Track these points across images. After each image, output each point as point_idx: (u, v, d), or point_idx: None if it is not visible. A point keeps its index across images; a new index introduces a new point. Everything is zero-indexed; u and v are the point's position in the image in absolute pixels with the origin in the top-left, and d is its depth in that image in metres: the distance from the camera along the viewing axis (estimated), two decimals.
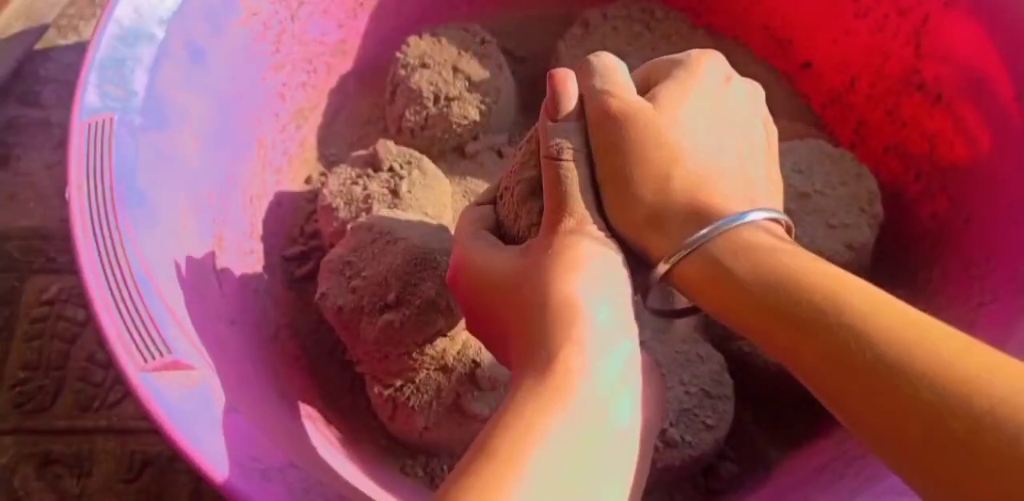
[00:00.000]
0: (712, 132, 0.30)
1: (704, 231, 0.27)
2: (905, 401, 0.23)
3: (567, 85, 0.32)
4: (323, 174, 0.61)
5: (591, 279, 0.28)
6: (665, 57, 0.32)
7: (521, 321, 0.28)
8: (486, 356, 0.47)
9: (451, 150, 0.59)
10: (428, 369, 0.46)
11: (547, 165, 0.31)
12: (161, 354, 0.34)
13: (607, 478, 0.26)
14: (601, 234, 0.29)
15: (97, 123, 0.39)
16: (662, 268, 0.29)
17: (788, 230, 0.30)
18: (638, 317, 0.30)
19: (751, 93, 0.32)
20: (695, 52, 0.32)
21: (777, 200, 0.31)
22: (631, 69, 0.33)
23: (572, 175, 0.30)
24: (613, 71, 0.31)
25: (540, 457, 0.24)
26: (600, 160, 0.30)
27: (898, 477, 0.25)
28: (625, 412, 0.26)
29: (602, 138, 0.30)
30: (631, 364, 0.27)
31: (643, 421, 0.27)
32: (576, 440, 0.25)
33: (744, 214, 0.28)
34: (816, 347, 0.25)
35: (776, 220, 0.29)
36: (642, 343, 0.49)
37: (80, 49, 0.73)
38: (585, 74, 0.32)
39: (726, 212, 0.28)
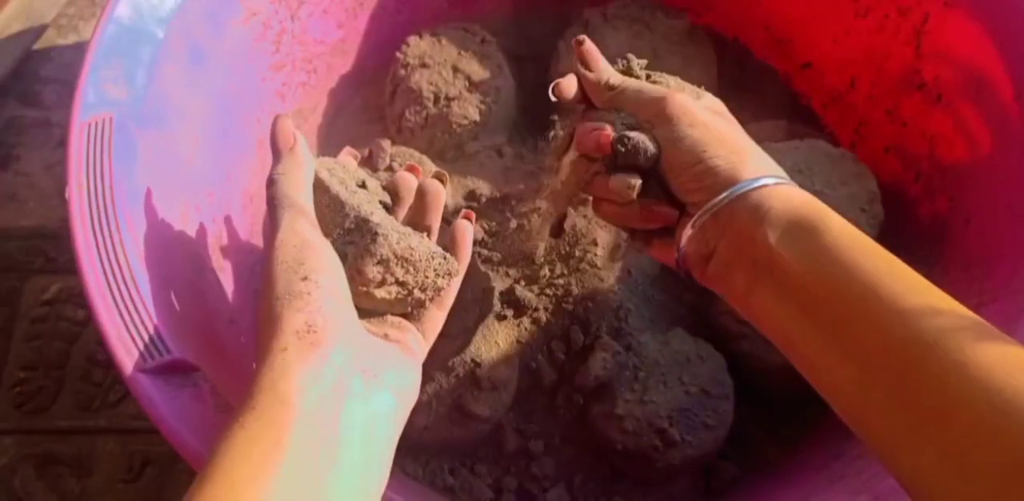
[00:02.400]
0: (729, 123, 0.37)
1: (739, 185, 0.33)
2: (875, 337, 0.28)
3: (282, 128, 0.37)
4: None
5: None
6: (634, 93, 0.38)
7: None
8: (486, 356, 0.47)
9: (451, 150, 0.59)
10: (428, 369, 0.46)
11: (268, 189, 0.34)
12: (161, 354, 0.34)
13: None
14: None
15: (97, 123, 0.39)
16: (724, 196, 0.33)
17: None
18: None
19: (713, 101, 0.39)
20: (667, 93, 0.37)
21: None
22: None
23: (284, 190, 0.33)
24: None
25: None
26: (675, 144, 0.35)
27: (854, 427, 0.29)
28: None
29: (674, 128, 0.35)
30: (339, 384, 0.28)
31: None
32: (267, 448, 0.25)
33: (765, 177, 0.34)
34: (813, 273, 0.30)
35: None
36: (641, 343, 0.49)
37: (80, 49, 0.73)
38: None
39: (760, 173, 0.34)
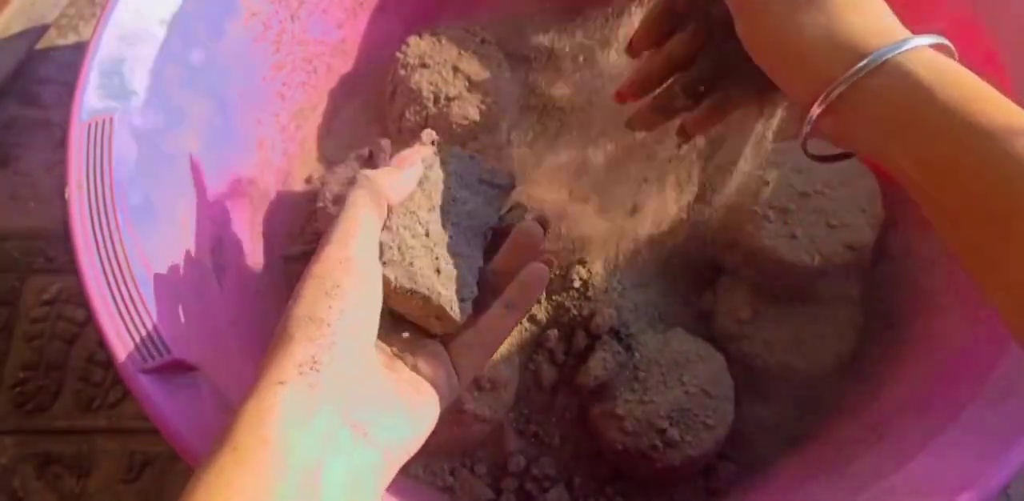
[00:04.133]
0: None
1: (898, 45, 0.28)
2: None
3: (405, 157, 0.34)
4: (323, 174, 0.61)
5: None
6: None
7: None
8: None
9: None
10: None
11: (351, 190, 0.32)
12: (161, 354, 0.34)
13: None
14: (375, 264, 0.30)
15: (97, 123, 0.39)
16: (840, 88, 0.28)
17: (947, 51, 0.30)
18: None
19: None
20: None
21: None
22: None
23: (362, 203, 0.31)
24: None
25: None
26: (749, 21, 0.31)
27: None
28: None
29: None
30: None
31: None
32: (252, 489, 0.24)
33: (908, 39, 0.28)
34: (980, 178, 0.26)
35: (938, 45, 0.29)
36: (641, 343, 0.49)
37: (80, 49, 0.73)
38: None
39: (897, 37, 0.28)
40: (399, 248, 0.31)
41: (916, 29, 0.30)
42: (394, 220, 0.32)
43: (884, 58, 0.28)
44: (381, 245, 0.31)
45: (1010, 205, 0.25)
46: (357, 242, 0.29)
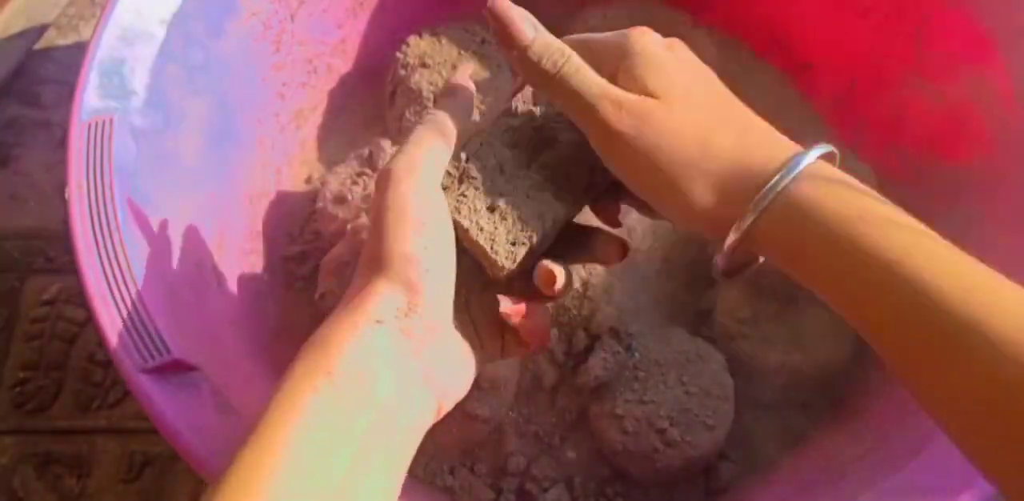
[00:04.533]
0: (702, 104, 0.30)
1: (766, 188, 0.27)
2: (976, 362, 0.23)
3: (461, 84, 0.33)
4: (323, 174, 0.61)
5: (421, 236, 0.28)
6: (598, 40, 0.31)
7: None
8: None
9: None
10: None
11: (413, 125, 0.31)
12: (161, 354, 0.34)
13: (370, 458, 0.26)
14: (440, 196, 0.30)
15: (97, 123, 0.39)
16: (733, 237, 0.28)
17: (834, 158, 0.30)
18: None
19: (687, 50, 0.33)
20: (633, 35, 0.31)
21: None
22: None
23: (430, 137, 0.30)
24: (582, 67, 0.30)
25: (299, 435, 0.24)
26: (629, 171, 0.30)
27: (960, 448, 0.25)
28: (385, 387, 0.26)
29: (616, 148, 0.29)
30: (407, 339, 0.27)
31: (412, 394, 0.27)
32: (336, 415, 0.25)
33: (796, 161, 0.27)
34: (906, 327, 0.25)
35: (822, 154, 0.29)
36: (641, 343, 0.49)
37: (80, 49, 0.73)
38: (555, 79, 0.30)
39: (776, 163, 0.27)
40: (459, 177, 0.31)
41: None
42: (467, 148, 0.31)
43: (776, 191, 0.27)
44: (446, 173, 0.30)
45: (906, 320, 0.25)
46: (423, 172, 0.29)
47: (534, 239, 0.30)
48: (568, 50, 0.30)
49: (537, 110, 0.34)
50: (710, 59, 0.62)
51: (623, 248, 0.33)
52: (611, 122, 0.29)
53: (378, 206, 0.28)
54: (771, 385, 0.51)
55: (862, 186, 0.28)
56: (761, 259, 0.32)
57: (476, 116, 0.57)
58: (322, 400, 0.24)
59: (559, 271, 0.31)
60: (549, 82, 0.30)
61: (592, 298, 0.50)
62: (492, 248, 0.30)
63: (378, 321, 0.26)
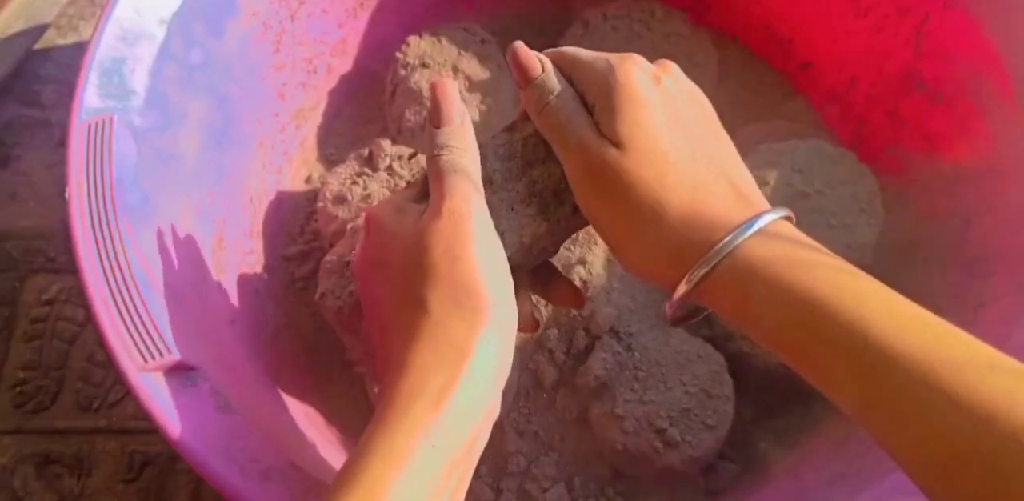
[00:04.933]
0: (678, 148, 0.30)
1: (717, 247, 0.28)
2: (932, 421, 0.23)
3: (448, 94, 0.32)
4: (323, 174, 0.61)
5: (488, 270, 0.28)
6: (585, 65, 0.32)
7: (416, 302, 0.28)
8: None
9: None
10: None
11: (433, 162, 0.31)
12: (161, 354, 0.34)
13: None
14: (490, 218, 0.30)
15: (97, 123, 0.39)
16: (681, 290, 0.29)
17: (791, 220, 0.30)
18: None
19: (678, 79, 0.32)
20: (619, 67, 0.31)
21: (757, 190, 0.31)
22: None
23: (462, 165, 0.31)
24: (577, 113, 0.31)
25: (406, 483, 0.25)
26: (592, 213, 0.31)
27: (925, 494, 0.25)
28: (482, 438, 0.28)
29: (580, 190, 0.31)
30: (501, 382, 0.28)
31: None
32: (441, 461, 0.26)
33: (750, 224, 0.28)
34: (843, 366, 0.26)
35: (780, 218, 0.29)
36: (641, 343, 0.49)
37: (80, 49, 0.73)
38: (546, 113, 0.32)
39: (729, 225, 0.28)
40: None
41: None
42: None
43: (727, 250, 0.28)
44: None
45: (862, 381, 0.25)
46: (482, 227, 0.30)
47: (507, 251, 0.31)
48: (556, 91, 0.31)
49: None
50: (710, 59, 0.62)
51: (577, 296, 0.35)
52: (577, 167, 0.30)
53: (454, 241, 0.28)
54: (771, 385, 0.51)
55: (813, 245, 0.29)
56: (708, 310, 0.33)
57: (476, 116, 0.57)
58: (432, 449, 0.25)
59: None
60: (536, 116, 0.32)
61: (592, 298, 0.50)
62: None
63: (482, 370, 0.27)
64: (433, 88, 0.32)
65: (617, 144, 0.29)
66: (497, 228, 0.31)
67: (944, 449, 0.23)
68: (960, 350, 0.24)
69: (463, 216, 0.29)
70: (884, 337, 0.25)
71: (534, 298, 0.39)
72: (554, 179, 0.33)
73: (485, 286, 0.28)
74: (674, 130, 0.30)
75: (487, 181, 0.33)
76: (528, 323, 0.35)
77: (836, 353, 0.26)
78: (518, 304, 0.30)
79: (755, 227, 0.28)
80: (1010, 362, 0.24)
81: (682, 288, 0.29)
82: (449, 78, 0.35)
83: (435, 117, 0.32)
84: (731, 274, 0.28)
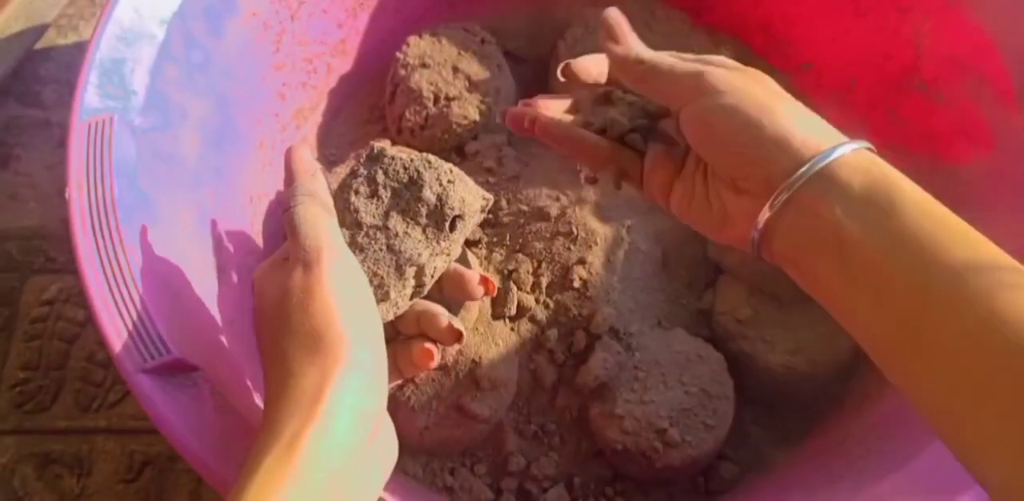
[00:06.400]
0: (768, 96, 0.33)
1: (803, 169, 0.29)
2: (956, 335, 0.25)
3: (295, 156, 0.35)
4: None
5: (351, 314, 0.28)
6: (667, 76, 0.35)
7: (279, 349, 0.28)
8: (486, 356, 0.47)
9: (451, 150, 0.59)
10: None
11: (285, 217, 0.32)
12: (161, 354, 0.34)
13: None
14: (354, 259, 0.31)
15: (97, 123, 0.39)
16: (791, 183, 0.29)
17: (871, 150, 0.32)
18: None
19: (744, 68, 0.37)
20: (707, 75, 0.34)
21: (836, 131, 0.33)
22: None
23: (313, 213, 0.32)
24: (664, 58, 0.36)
25: None
26: (707, 139, 0.33)
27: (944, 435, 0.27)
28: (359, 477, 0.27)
29: (707, 116, 0.32)
30: (368, 427, 0.28)
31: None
32: None
33: (833, 149, 0.30)
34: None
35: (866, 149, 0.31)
36: (641, 343, 0.49)
37: (80, 49, 0.73)
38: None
39: (817, 149, 0.30)
40: None
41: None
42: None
43: (816, 168, 0.29)
44: None
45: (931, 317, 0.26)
46: (339, 248, 0.31)
47: (391, 294, 0.33)
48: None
49: (403, 155, 0.35)
50: None
51: (454, 334, 0.34)
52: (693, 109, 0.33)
53: (308, 288, 0.28)
54: (771, 385, 0.51)
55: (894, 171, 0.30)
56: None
57: (476, 116, 0.57)
58: None
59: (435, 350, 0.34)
60: (650, 69, 0.35)
61: (592, 298, 0.50)
62: None
63: (340, 414, 0.26)
64: (285, 155, 0.35)
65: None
66: (376, 272, 0.32)
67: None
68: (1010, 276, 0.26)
69: (313, 263, 0.29)
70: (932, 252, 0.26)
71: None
72: (429, 201, 0.34)
73: (339, 330, 0.27)
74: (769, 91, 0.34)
75: (356, 225, 0.33)
76: (446, 336, 0.35)
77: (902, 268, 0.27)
78: (429, 321, 0.33)
79: (840, 152, 0.30)
80: None
81: (765, 212, 0.30)
82: (302, 145, 0.36)
83: (287, 179, 0.34)
84: (817, 190, 0.29)
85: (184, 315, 0.38)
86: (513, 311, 0.50)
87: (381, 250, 0.33)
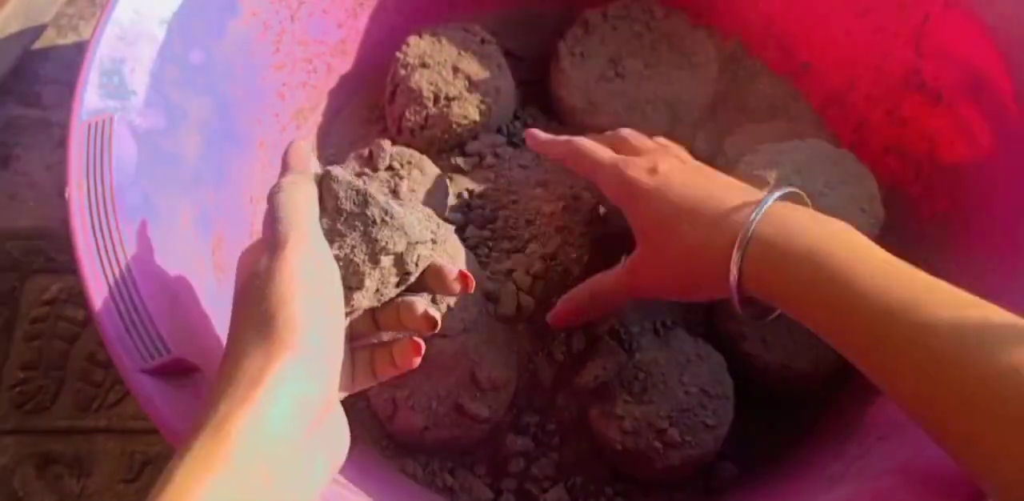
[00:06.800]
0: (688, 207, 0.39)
1: (740, 235, 0.35)
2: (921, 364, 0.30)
3: (292, 152, 0.36)
4: None
5: (308, 301, 0.28)
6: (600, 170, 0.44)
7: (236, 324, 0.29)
8: (486, 356, 0.47)
9: (451, 150, 0.59)
10: (428, 369, 0.46)
11: (268, 201, 0.32)
12: (161, 354, 0.34)
13: None
14: (325, 247, 0.31)
15: (97, 123, 0.39)
16: (734, 269, 0.35)
17: (800, 200, 0.38)
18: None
19: (671, 160, 0.43)
20: (623, 172, 0.42)
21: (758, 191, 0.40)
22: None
23: (294, 200, 0.32)
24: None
25: None
26: (643, 237, 0.41)
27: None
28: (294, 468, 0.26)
29: (641, 218, 0.41)
30: (308, 416, 0.27)
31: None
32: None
33: (767, 198, 0.36)
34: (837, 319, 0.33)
35: (788, 197, 0.37)
36: (641, 343, 0.49)
37: (80, 49, 0.73)
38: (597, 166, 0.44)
39: (744, 216, 0.36)
40: None
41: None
42: None
43: (749, 232, 0.35)
44: None
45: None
46: (312, 236, 0.31)
47: (366, 282, 0.32)
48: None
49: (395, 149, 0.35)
50: (710, 59, 0.62)
51: (430, 321, 0.34)
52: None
53: (270, 271, 0.28)
54: (771, 385, 0.51)
55: (815, 214, 0.36)
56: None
57: (476, 116, 0.57)
58: (220, 492, 0.23)
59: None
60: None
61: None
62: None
63: (277, 400, 0.25)
64: (285, 149, 0.36)
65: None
66: (352, 259, 0.32)
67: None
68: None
69: (279, 247, 0.29)
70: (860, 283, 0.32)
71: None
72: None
73: (292, 315, 0.27)
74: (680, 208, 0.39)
75: (336, 211, 0.33)
76: (421, 323, 0.34)
77: (822, 304, 0.33)
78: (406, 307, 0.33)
79: (765, 205, 0.35)
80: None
81: (734, 268, 0.35)
82: (304, 140, 0.36)
83: (282, 170, 0.35)
84: (759, 253, 0.34)
85: (184, 315, 0.38)
86: (513, 311, 0.50)
87: (357, 237, 0.32)
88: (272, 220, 0.31)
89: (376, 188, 0.33)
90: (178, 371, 0.35)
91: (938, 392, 0.29)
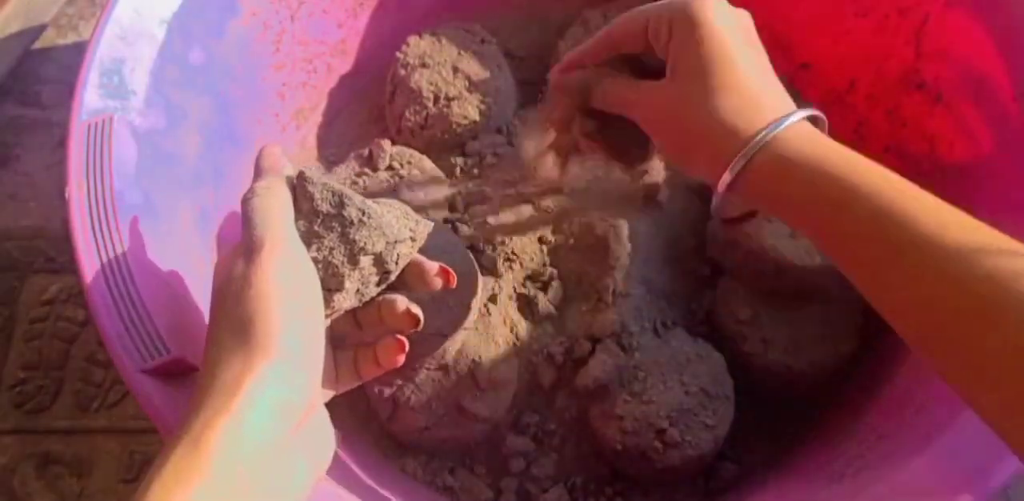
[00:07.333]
0: (748, 49, 0.38)
1: (759, 136, 0.33)
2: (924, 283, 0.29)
3: (265, 154, 0.34)
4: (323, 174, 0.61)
5: (285, 305, 0.28)
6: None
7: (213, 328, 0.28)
8: (486, 355, 0.47)
9: (451, 150, 0.59)
10: (428, 369, 0.46)
11: (244, 205, 0.31)
12: (161, 354, 0.34)
13: None
14: (302, 251, 0.30)
15: (97, 123, 0.39)
16: (739, 162, 0.33)
17: (819, 121, 0.36)
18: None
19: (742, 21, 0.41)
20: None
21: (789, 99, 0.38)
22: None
23: (267, 204, 0.31)
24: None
25: None
26: (685, 67, 0.37)
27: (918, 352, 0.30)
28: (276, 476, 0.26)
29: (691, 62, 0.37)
30: (289, 420, 0.27)
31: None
32: None
33: (783, 119, 0.34)
34: (871, 246, 0.31)
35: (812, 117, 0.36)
36: (641, 343, 0.49)
37: (80, 49, 0.73)
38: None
39: (778, 115, 0.34)
40: None
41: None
42: None
43: (765, 140, 0.33)
44: None
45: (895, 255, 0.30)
46: (290, 240, 0.30)
47: (346, 283, 0.31)
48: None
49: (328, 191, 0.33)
50: None
51: (412, 318, 0.33)
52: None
53: (246, 276, 0.28)
54: (771, 385, 0.51)
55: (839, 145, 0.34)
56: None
57: (476, 116, 0.57)
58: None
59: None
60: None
61: (592, 298, 0.50)
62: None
63: (256, 405, 0.25)
64: (257, 153, 0.34)
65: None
66: (330, 262, 0.31)
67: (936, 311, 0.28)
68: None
69: (255, 252, 0.28)
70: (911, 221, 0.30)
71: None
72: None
73: (270, 320, 0.27)
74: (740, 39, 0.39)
75: (312, 213, 0.32)
76: (403, 320, 0.33)
77: (865, 233, 0.31)
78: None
79: (785, 124, 0.34)
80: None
81: (726, 176, 0.33)
82: (275, 145, 0.35)
83: (255, 174, 0.33)
84: (771, 159, 0.33)
85: (184, 315, 0.38)
86: (513, 311, 0.50)
87: (335, 239, 0.32)
88: (247, 225, 0.30)
89: (350, 188, 0.33)
90: (178, 371, 0.35)
91: (937, 298, 0.29)
